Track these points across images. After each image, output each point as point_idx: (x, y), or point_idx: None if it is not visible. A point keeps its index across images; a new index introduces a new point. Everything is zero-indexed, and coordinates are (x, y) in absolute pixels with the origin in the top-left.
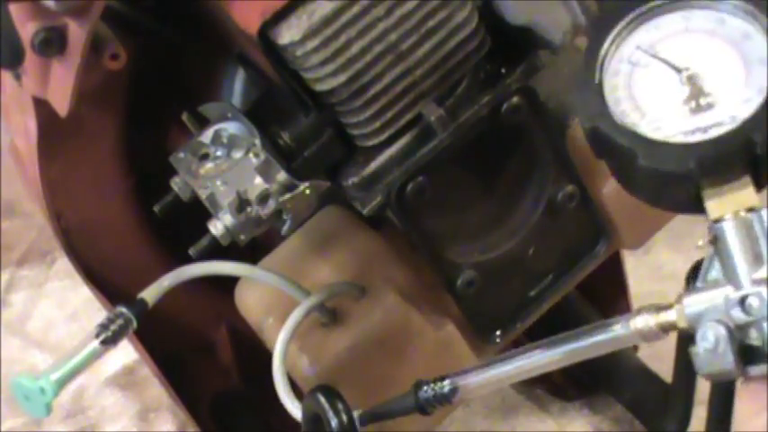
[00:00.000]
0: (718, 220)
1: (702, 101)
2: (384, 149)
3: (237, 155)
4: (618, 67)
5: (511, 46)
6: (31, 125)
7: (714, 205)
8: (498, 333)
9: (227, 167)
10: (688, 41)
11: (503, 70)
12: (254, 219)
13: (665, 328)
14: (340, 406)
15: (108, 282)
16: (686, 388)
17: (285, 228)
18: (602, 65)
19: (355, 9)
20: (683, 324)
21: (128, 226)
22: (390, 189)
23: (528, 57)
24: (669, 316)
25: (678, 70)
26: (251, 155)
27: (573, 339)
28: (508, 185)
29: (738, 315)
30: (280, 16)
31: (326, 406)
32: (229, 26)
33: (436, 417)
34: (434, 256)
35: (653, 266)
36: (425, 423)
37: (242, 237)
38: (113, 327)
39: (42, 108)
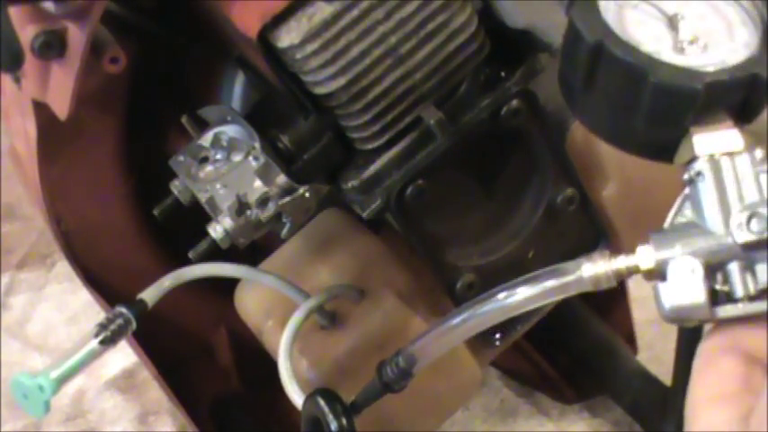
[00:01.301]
0: (698, 159)
1: (689, 47)
2: (383, 153)
3: (237, 158)
4: (606, 5)
5: (510, 49)
6: (31, 128)
7: (699, 142)
8: (498, 336)
9: (227, 171)
10: None
11: (502, 73)
12: (254, 222)
13: (622, 274)
14: (339, 409)
15: (108, 285)
16: (686, 391)
17: (285, 231)
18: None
19: (355, 12)
20: (647, 265)
21: (127, 229)
22: (390, 192)
23: (527, 60)
24: (629, 260)
25: (667, 15)
26: (250, 158)
27: (522, 285)
28: (508, 188)
29: (713, 257)
30: (279, 19)
31: (326, 409)
32: (229, 29)
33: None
34: (434, 259)
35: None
36: (426, 424)
37: (241, 240)
38: (112, 327)
39: (42, 111)
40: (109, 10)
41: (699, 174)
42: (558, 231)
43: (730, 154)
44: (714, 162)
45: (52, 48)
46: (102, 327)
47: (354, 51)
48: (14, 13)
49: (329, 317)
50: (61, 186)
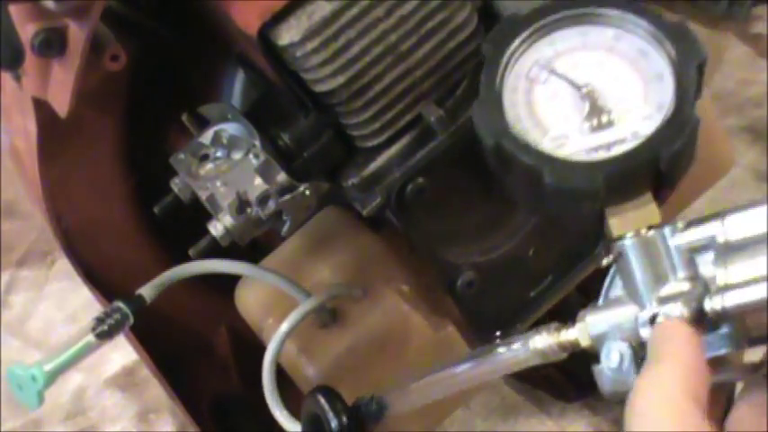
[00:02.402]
0: (620, 238)
1: (603, 118)
2: (384, 150)
3: (237, 156)
4: (516, 84)
5: None
6: (31, 126)
7: (617, 223)
8: (498, 334)
9: (227, 168)
10: (586, 58)
11: None
12: (254, 220)
13: (566, 347)
14: (340, 406)
15: (108, 283)
16: None
17: (285, 228)
18: (501, 80)
19: (355, 10)
20: (585, 343)
21: (128, 227)
22: (390, 190)
23: None
24: (570, 335)
25: (577, 87)
26: (251, 156)
27: (478, 358)
28: None
29: (648, 333)
30: (279, 17)
31: (326, 407)
32: (229, 27)
33: (437, 412)
34: (434, 256)
35: None
36: (426, 422)
37: (242, 238)
38: (109, 321)
39: (42, 109)
40: (109, 8)
41: (619, 253)
42: (558, 229)
43: (649, 229)
44: (632, 241)
45: (52, 46)
46: (99, 321)
47: (354, 49)
48: (15, 10)
49: (329, 315)
50: (61, 184)
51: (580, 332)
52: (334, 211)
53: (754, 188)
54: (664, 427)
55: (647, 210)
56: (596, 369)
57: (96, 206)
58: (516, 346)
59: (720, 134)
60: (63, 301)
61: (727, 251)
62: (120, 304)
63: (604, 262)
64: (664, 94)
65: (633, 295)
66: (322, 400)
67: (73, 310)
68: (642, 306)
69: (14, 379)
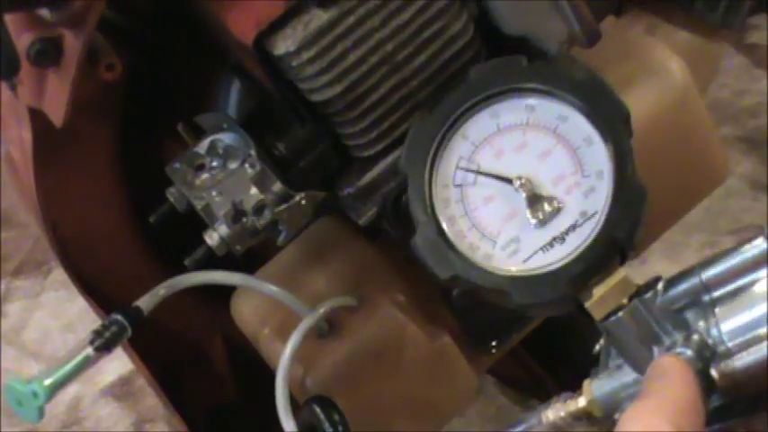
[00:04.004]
0: (606, 318)
1: (546, 207)
2: (380, 160)
3: (233, 165)
4: (447, 195)
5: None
6: (27, 135)
7: (596, 308)
8: (494, 343)
9: (223, 178)
10: (506, 142)
11: None
12: (250, 229)
13: (580, 416)
14: (336, 417)
15: (103, 292)
16: None
17: (281, 238)
18: (431, 197)
19: (351, 20)
20: (598, 413)
21: (123, 236)
22: (386, 199)
23: None
24: (581, 405)
25: (508, 181)
26: (247, 165)
27: None
28: None
29: None
30: (275, 26)
31: (323, 417)
32: (225, 36)
33: (433, 422)
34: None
35: (649, 276)
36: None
37: (237, 247)
38: (107, 333)
39: (38, 118)
40: (105, 17)
41: (608, 332)
42: None
43: (630, 299)
44: (617, 318)
45: (48, 55)
46: (98, 334)
47: (351, 59)
48: (11, 20)
49: (326, 324)
50: (57, 193)
51: (589, 403)
52: (330, 221)
53: (749, 197)
54: None
55: (620, 283)
56: None
57: (91, 215)
58: (531, 421)
59: (716, 144)
60: (59, 311)
61: (714, 308)
62: (118, 316)
63: (597, 347)
64: (599, 160)
65: (633, 365)
66: (318, 410)
67: (69, 319)
68: (643, 372)
69: (14, 394)
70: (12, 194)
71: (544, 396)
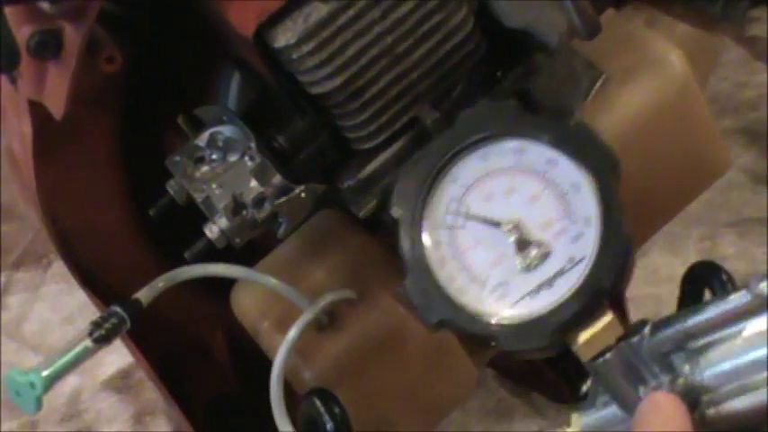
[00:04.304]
0: (593, 359)
1: (534, 251)
2: (380, 153)
3: (233, 158)
4: (438, 237)
5: (507, 48)
6: (27, 128)
7: (583, 350)
8: None
9: (223, 170)
10: (495, 185)
11: (498, 73)
12: (250, 222)
13: None
14: (336, 410)
15: (103, 285)
16: None
17: (281, 231)
18: (420, 239)
19: (351, 12)
20: None
21: (123, 229)
22: (386, 192)
23: (524, 60)
24: None
25: (497, 225)
26: (246, 158)
27: None
28: None
29: None
30: (275, 19)
31: (322, 409)
32: (225, 29)
33: (432, 415)
34: None
35: (649, 270)
36: (422, 424)
37: (237, 240)
38: (107, 325)
39: (38, 111)
40: (104, 9)
41: (596, 373)
42: None
43: (617, 341)
44: (604, 360)
45: (48, 47)
46: (97, 325)
47: (350, 51)
48: (10, 12)
49: (326, 317)
50: (56, 186)
51: None
52: (331, 214)
53: (749, 190)
54: None
55: (607, 325)
56: None
57: (91, 208)
58: None
59: (716, 137)
60: (59, 303)
61: (700, 355)
62: (117, 308)
63: (584, 388)
64: (587, 206)
65: (619, 403)
66: (318, 403)
67: (69, 312)
68: (630, 412)
69: (13, 385)
70: (12, 187)
71: (543, 388)
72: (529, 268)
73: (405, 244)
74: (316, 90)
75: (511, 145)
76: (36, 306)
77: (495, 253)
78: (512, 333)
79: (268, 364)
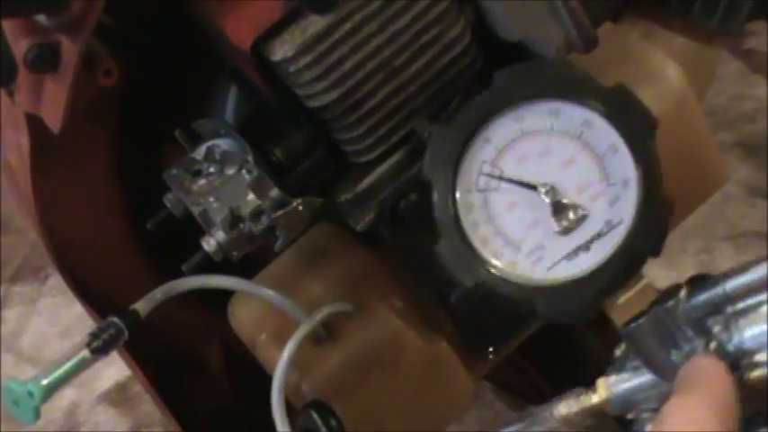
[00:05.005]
0: (627, 324)
1: (571, 214)
2: (377, 166)
3: (230, 171)
4: (470, 200)
5: (504, 62)
6: (24, 141)
7: (618, 314)
8: (491, 349)
9: (220, 184)
10: (529, 147)
11: None
12: (247, 235)
13: (593, 413)
14: (333, 422)
15: (100, 298)
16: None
17: (278, 244)
18: (454, 203)
19: (348, 25)
20: (612, 411)
21: (120, 242)
22: (383, 205)
23: None
24: (594, 399)
25: (533, 188)
26: (244, 171)
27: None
28: None
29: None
30: (272, 32)
31: (320, 422)
32: (222, 42)
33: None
34: (427, 272)
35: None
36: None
37: (234, 253)
38: (104, 336)
39: (35, 124)
40: (102, 23)
41: (629, 338)
42: None
43: (651, 306)
44: (638, 324)
45: (45, 61)
46: (95, 336)
47: (348, 64)
48: (7, 26)
49: (323, 330)
50: (54, 199)
51: (604, 401)
52: (328, 227)
53: (747, 203)
54: None
55: (643, 290)
56: None
57: (89, 221)
58: (542, 414)
59: (713, 149)
60: (56, 316)
61: (738, 319)
62: (115, 319)
63: (617, 353)
64: (624, 168)
65: (652, 368)
66: (315, 416)
67: (66, 325)
68: (663, 376)
69: (10, 395)
70: (9, 200)
71: (541, 402)
72: (565, 232)
73: (438, 207)
74: (313, 103)
75: (546, 106)
76: (33, 319)
77: (531, 216)
78: (549, 296)
79: (265, 376)
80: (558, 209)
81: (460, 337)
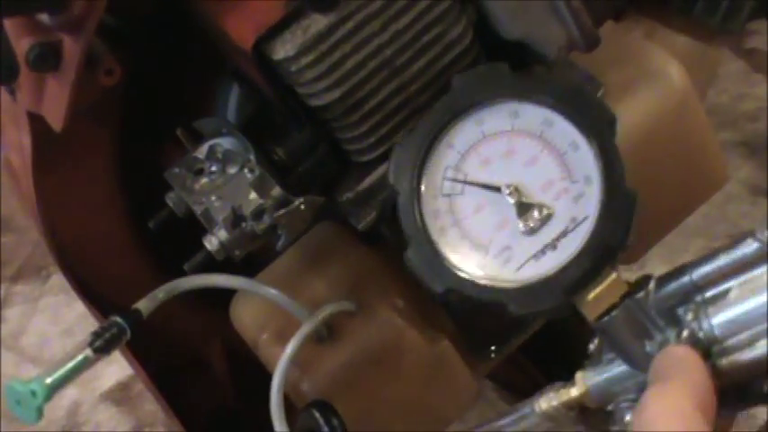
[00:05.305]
0: (599, 318)
1: (536, 213)
2: (378, 165)
3: (232, 170)
4: (436, 206)
5: (505, 61)
6: (26, 140)
7: (589, 309)
8: (493, 348)
9: (222, 183)
10: (491, 148)
11: None
12: (249, 234)
13: (572, 406)
14: (335, 422)
15: (102, 297)
16: None
17: (280, 243)
18: (420, 210)
19: (350, 25)
20: (591, 404)
21: (122, 241)
22: (385, 204)
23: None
24: (572, 393)
25: (496, 189)
26: (246, 170)
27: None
28: None
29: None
30: (274, 32)
31: (322, 422)
32: (224, 41)
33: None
34: None
35: None
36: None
37: (237, 252)
38: (107, 335)
39: (37, 123)
40: (104, 22)
41: (602, 331)
42: None
43: (622, 299)
44: (610, 318)
45: (47, 60)
46: (97, 335)
47: (350, 64)
48: (9, 25)
49: (325, 329)
50: (56, 198)
51: (582, 394)
52: (330, 226)
53: (748, 202)
54: None
55: (612, 284)
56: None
57: (91, 220)
58: (524, 410)
59: (715, 148)
60: (58, 316)
61: (707, 307)
62: (117, 319)
63: (591, 347)
64: (586, 165)
65: (626, 359)
66: (317, 415)
67: (68, 324)
68: (638, 367)
69: (13, 395)
70: (11, 199)
71: None
72: (531, 231)
73: (403, 215)
74: (315, 102)
75: (505, 108)
76: (35, 318)
77: (496, 218)
78: (520, 296)
79: (267, 376)
80: (523, 209)
81: (462, 336)
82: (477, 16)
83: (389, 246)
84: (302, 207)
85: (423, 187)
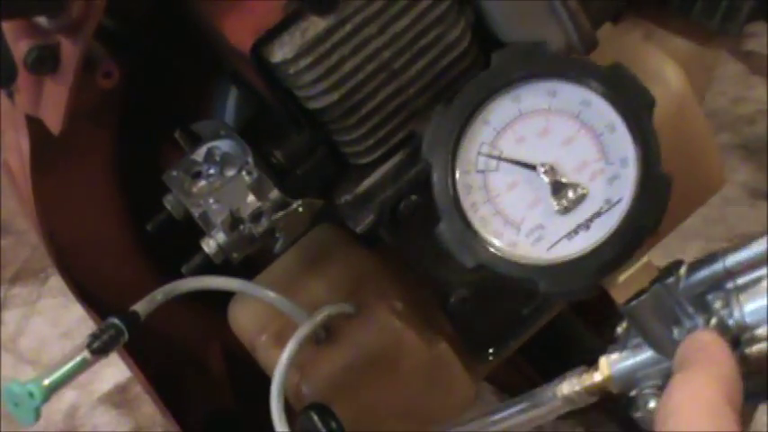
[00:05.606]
0: (628, 302)
1: (570, 193)
2: (377, 168)
3: (230, 173)
4: (469, 181)
5: None
6: (24, 143)
7: (618, 292)
8: (491, 351)
9: (220, 185)
10: (527, 127)
11: None
12: (247, 237)
13: (594, 392)
14: (333, 425)
15: (101, 300)
16: None
17: (278, 246)
18: (453, 184)
19: (348, 27)
20: (615, 390)
21: (121, 244)
22: (383, 207)
23: None
24: (595, 378)
25: (531, 167)
26: (244, 173)
27: (505, 412)
28: None
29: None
30: (272, 34)
31: (320, 424)
32: (222, 44)
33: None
34: (427, 273)
35: None
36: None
37: (235, 255)
38: (104, 337)
39: (35, 126)
40: (102, 25)
41: (630, 316)
42: None
43: (651, 284)
44: (638, 302)
45: (45, 63)
46: (95, 337)
47: (348, 66)
48: (8, 27)
49: (323, 331)
50: (54, 201)
51: (606, 379)
52: (328, 228)
53: (747, 205)
54: (700, 425)
55: (643, 267)
56: (636, 416)
57: (89, 223)
58: (545, 395)
59: (714, 151)
60: (56, 318)
61: (738, 294)
62: (115, 320)
63: (619, 330)
64: (623, 147)
65: (653, 345)
66: (315, 418)
67: (66, 326)
68: (664, 353)
69: (10, 396)
70: (10, 202)
71: None
72: (565, 211)
73: (437, 188)
74: (313, 105)
75: (544, 86)
76: (33, 321)
77: (530, 196)
78: (551, 275)
79: (265, 378)
80: (557, 188)
81: (461, 338)
82: (474, 19)
83: (388, 248)
84: (300, 210)
85: (457, 163)
